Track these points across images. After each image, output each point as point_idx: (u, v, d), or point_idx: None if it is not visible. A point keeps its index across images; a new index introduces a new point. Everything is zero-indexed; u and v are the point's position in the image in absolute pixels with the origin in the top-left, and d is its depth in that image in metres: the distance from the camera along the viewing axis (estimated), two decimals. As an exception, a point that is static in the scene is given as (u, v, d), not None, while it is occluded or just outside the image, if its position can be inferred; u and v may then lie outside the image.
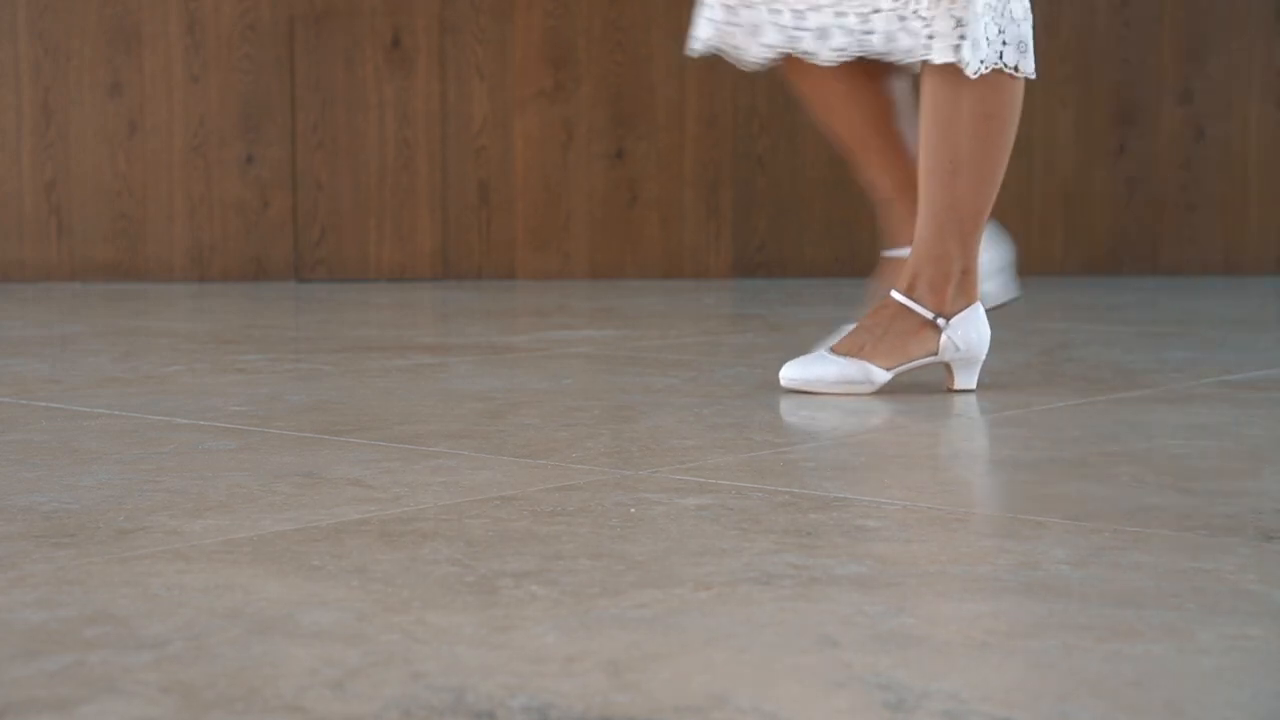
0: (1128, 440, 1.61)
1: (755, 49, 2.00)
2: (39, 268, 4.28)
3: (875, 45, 1.94)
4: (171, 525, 1.21)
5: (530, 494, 1.33)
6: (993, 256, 2.16)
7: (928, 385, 2.05)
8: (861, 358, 1.95)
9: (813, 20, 1.95)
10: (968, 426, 1.70)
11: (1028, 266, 4.47)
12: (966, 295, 1.99)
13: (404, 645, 0.88)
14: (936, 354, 1.97)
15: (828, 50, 1.96)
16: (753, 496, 1.32)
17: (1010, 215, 4.45)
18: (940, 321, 1.96)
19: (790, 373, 1.96)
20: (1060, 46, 4.41)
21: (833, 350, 1.97)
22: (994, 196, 2.00)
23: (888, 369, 1.96)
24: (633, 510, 1.28)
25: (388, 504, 1.29)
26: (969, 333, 1.98)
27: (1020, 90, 1.97)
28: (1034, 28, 1.97)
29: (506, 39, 4.29)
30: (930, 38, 1.91)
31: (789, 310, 3.35)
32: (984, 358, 2.01)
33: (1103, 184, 4.45)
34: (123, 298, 3.81)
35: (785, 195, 4.41)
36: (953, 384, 1.99)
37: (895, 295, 1.98)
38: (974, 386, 2.00)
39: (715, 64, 4.44)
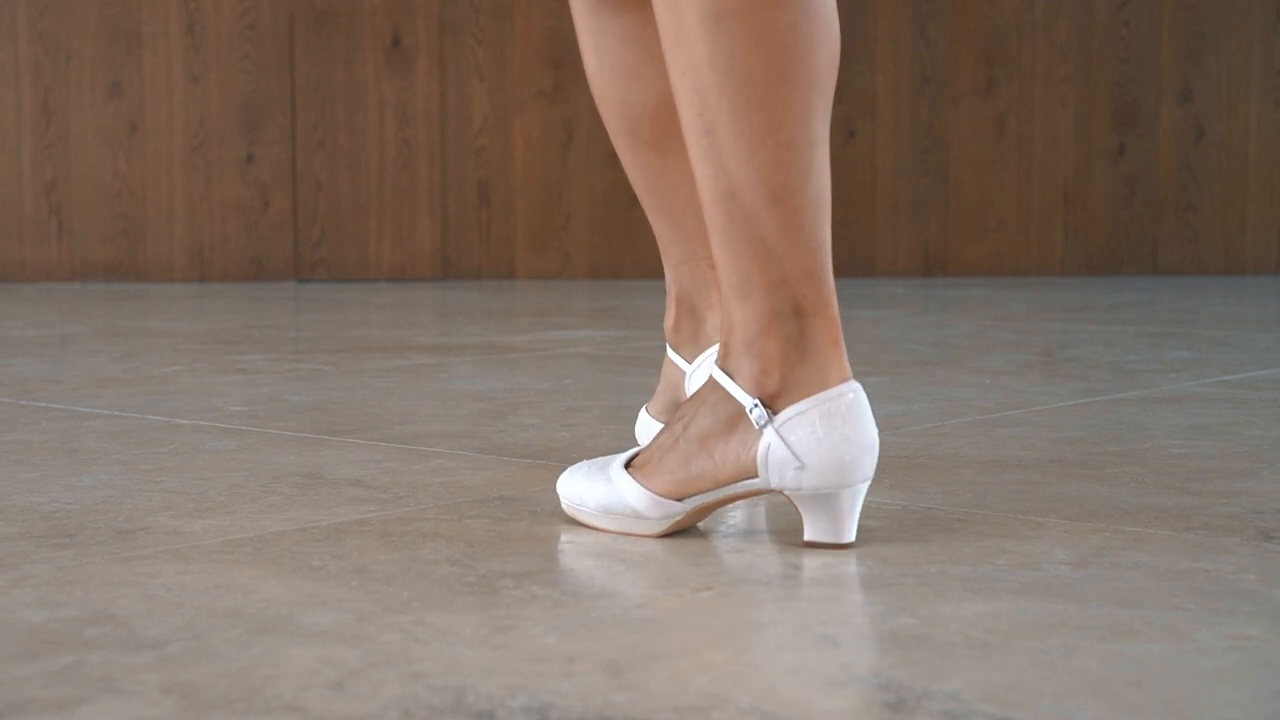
0: (1128, 440, 1.61)
1: None
2: (39, 268, 4.28)
3: None
4: (171, 525, 1.21)
5: (530, 494, 1.33)
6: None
7: (927, 385, 2.05)
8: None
9: None
10: (968, 427, 1.70)
11: (1028, 266, 4.47)
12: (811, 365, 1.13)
13: (404, 645, 0.88)
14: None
15: None
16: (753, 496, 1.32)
17: (1010, 215, 4.45)
18: (758, 413, 1.13)
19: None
20: (1060, 46, 4.41)
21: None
22: (800, 166, 1.10)
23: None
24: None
25: (388, 504, 1.29)
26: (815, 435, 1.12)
27: None
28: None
29: (506, 39, 4.29)
30: None
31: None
32: (860, 486, 1.13)
33: (1103, 184, 4.45)
34: (123, 298, 3.80)
35: (785, 195, 4.40)
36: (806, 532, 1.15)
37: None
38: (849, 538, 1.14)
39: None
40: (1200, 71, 4.42)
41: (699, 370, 1.39)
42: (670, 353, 1.46)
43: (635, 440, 1.55)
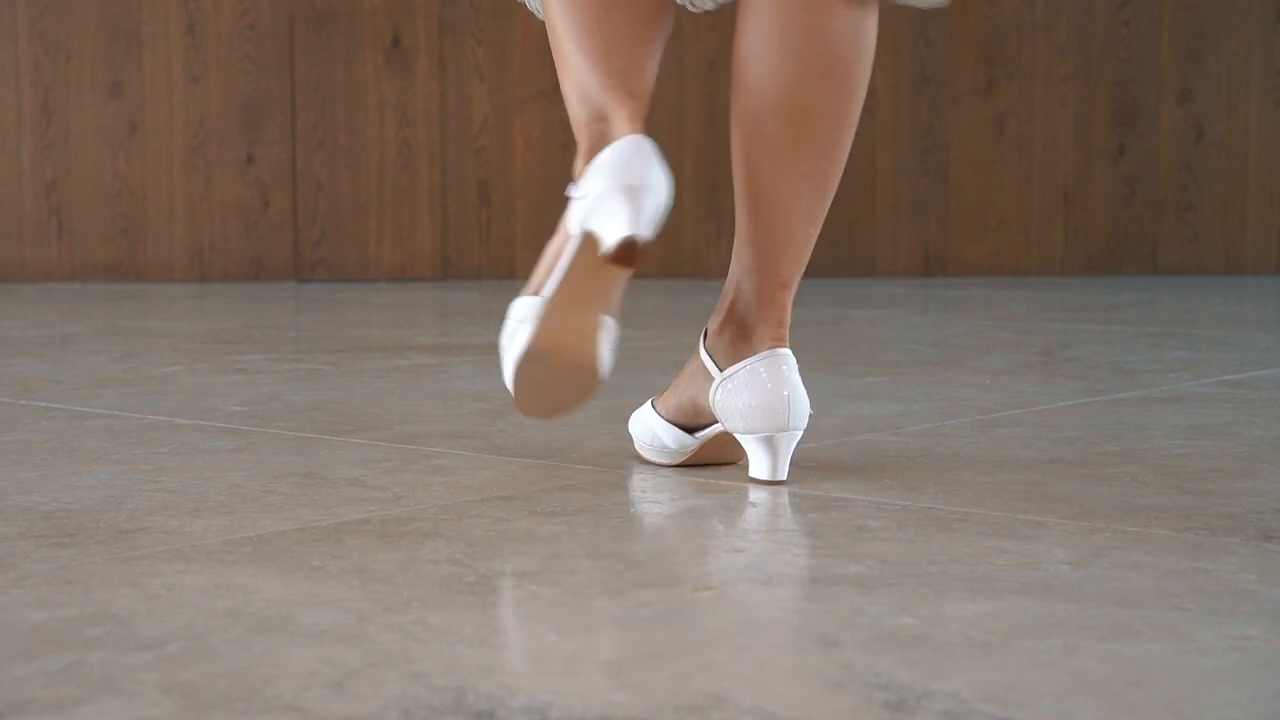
0: (1128, 440, 1.61)
1: None
2: (39, 268, 4.28)
3: None
4: (171, 525, 1.21)
5: (530, 494, 1.33)
6: None
7: (927, 385, 2.05)
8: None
9: None
10: (968, 427, 1.70)
11: (1028, 266, 4.47)
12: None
13: (404, 645, 0.88)
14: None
15: None
16: (753, 496, 1.32)
17: (1010, 215, 4.45)
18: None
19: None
20: (1060, 46, 4.41)
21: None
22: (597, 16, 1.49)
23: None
24: (633, 510, 1.28)
25: (388, 504, 1.29)
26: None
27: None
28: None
29: (506, 39, 4.29)
30: None
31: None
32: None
33: (1103, 184, 4.45)
34: (123, 298, 3.80)
35: (785, 195, 4.40)
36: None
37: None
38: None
39: (715, 64, 4.44)
40: (1200, 71, 4.42)
41: (726, 382, 1.38)
42: (703, 354, 1.43)
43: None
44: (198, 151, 4.29)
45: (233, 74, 4.27)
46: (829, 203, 1.40)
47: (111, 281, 4.28)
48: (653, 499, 1.32)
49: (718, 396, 1.37)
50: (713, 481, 1.38)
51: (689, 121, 4.36)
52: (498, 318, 2.85)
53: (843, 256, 4.45)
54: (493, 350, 2.53)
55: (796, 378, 1.36)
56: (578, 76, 1.43)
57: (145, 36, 4.26)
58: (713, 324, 1.42)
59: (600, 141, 1.35)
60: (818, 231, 1.40)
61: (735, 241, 1.41)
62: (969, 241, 4.45)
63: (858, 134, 1.41)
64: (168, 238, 4.30)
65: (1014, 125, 4.43)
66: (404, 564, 1.08)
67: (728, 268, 1.44)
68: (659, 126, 4.30)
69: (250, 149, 4.29)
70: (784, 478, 1.35)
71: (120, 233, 4.29)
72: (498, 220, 4.36)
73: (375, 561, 1.08)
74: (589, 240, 1.27)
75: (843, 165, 1.39)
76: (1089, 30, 4.41)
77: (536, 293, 1.35)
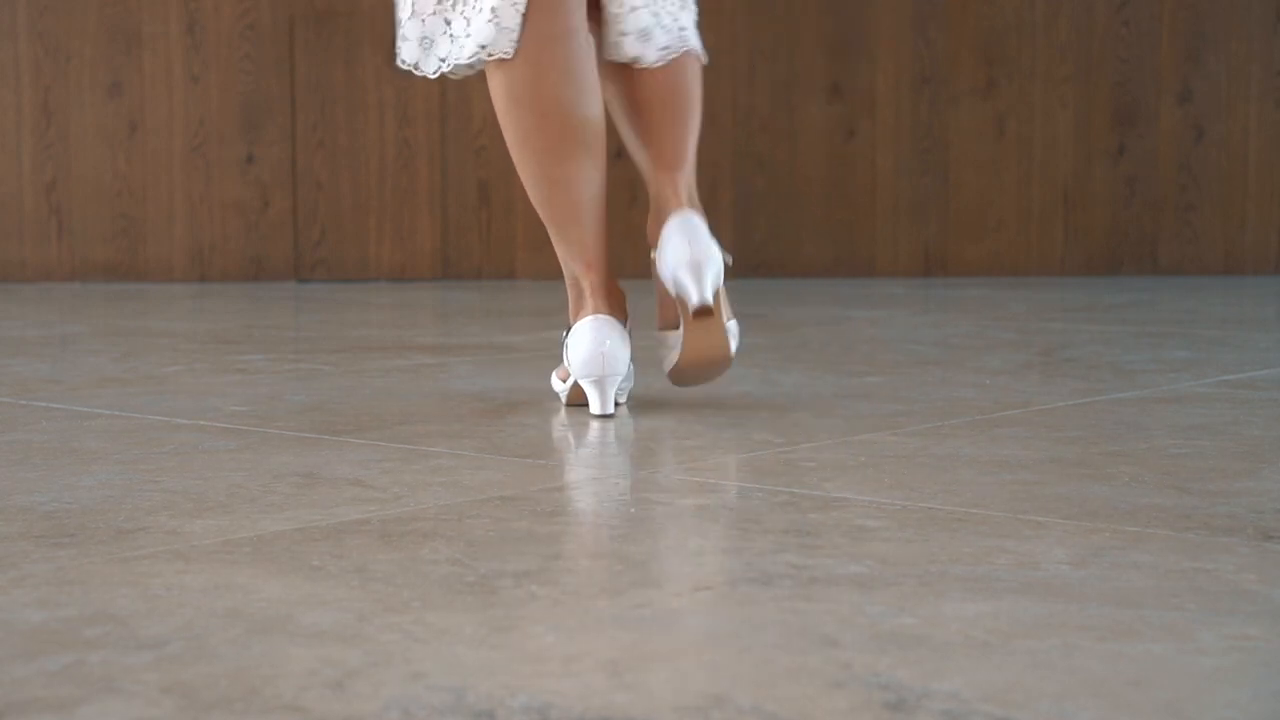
0: (1128, 440, 1.61)
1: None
2: (39, 268, 4.28)
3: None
4: (171, 525, 1.21)
5: (530, 494, 1.33)
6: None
7: (927, 385, 2.05)
8: None
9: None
10: (967, 426, 1.70)
11: (1028, 266, 4.47)
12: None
13: (404, 645, 0.88)
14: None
15: (654, 51, 1.92)
16: (753, 496, 1.32)
17: (1010, 215, 4.45)
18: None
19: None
20: (1060, 46, 4.41)
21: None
22: (528, 183, 2.01)
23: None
24: (633, 510, 1.28)
25: (388, 504, 1.29)
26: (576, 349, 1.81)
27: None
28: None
29: (506, 39, 4.29)
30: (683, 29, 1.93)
31: (789, 310, 3.35)
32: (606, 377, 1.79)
33: (1103, 184, 4.45)
34: (123, 298, 3.81)
35: (785, 195, 4.41)
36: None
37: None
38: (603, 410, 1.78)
39: (714, 64, 4.44)
40: (1200, 71, 4.42)
41: (657, 254, 1.83)
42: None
43: (634, 443, 1.55)
44: (198, 151, 4.29)
45: (233, 74, 4.27)
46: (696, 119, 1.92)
47: (111, 281, 4.28)
48: (653, 499, 1.32)
49: (658, 268, 1.80)
50: (712, 481, 1.38)
51: (689, 121, 4.36)
52: (498, 317, 2.85)
53: (843, 256, 4.45)
54: (492, 350, 2.53)
55: (699, 222, 1.79)
56: (554, 240, 2.01)
57: (145, 36, 4.26)
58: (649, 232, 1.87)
59: (579, 306, 1.88)
60: (689, 136, 1.92)
61: (645, 176, 1.96)
62: (969, 241, 4.45)
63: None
64: (168, 238, 4.30)
65: (1014, 125, 4.43)
66: (404, 564, 1.08)
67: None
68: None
69: (250, 149, 4.30)
70: (711, 296, 1.77)
71: (120, 233, 4.29)
72: (498, 220, 4.36)
73: (375, 561, 1.08)
74: (682, 302, 1.77)
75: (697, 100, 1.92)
76: (1089, 30, 4.42)
77: (666, 327, 1.89)
